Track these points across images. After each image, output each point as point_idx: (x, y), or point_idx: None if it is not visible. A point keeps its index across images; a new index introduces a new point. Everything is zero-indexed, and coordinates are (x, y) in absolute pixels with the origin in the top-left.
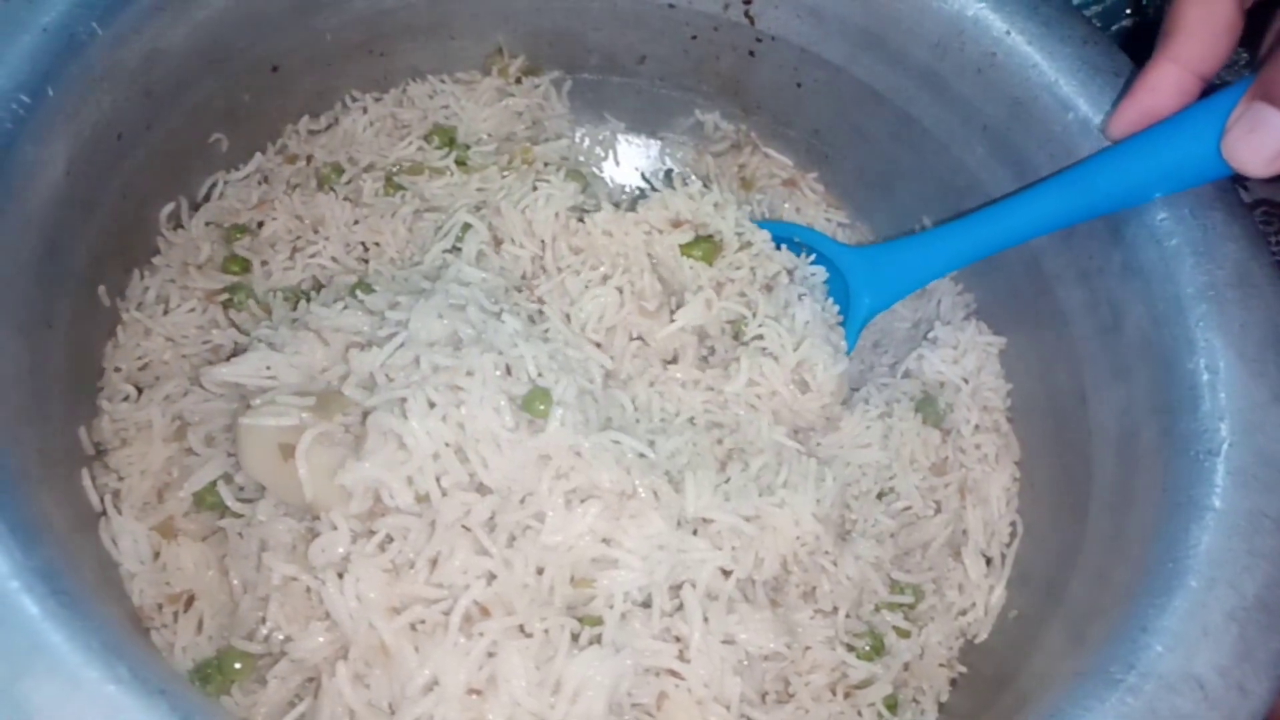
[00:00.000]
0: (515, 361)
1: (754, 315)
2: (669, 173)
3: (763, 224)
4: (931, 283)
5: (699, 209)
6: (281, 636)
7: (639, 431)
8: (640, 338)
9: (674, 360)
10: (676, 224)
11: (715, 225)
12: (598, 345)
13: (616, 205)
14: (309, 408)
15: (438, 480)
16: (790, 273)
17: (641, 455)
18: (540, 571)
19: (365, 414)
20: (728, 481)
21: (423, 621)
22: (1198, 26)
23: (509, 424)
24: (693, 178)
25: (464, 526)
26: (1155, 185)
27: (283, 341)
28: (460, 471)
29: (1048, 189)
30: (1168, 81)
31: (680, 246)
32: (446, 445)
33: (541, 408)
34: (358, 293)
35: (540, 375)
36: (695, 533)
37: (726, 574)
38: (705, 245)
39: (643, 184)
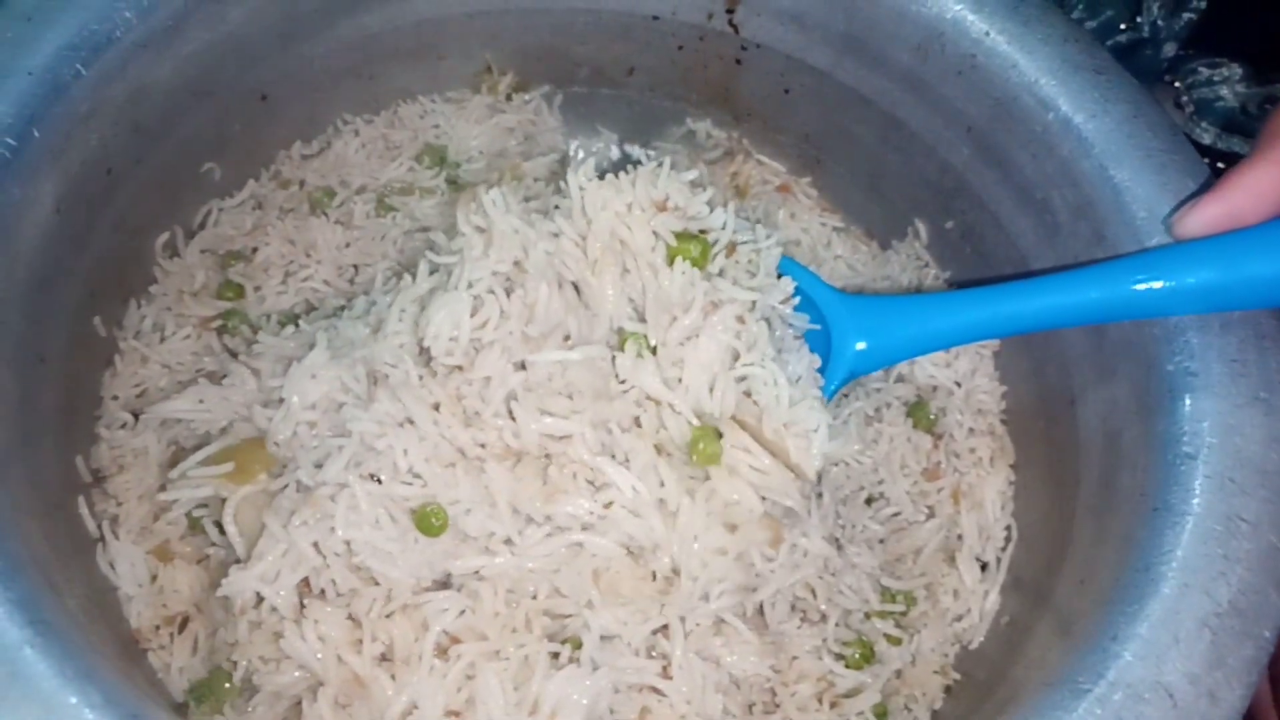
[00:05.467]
0: (386, 467)
1: (750, 350)
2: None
3: None
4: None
5: (692, 202)
6: (256, 677)
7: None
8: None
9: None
10: (662, 207)
11: (707, 222)
12: (458, 369)
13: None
14: (225, 475)
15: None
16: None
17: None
18: (512, 605)
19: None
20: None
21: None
22: None
23: (393, 535)
24: (688, 168)
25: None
26: (1221, 299)
27: (226, 373)
28: (354, 579)
29: (1087, 278)
30: (1265, 185)
31: (671, 248)
32: (336, 555)
33: (437, 524)
34: (301, 321)
35: (423, 483)
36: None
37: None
38: (699, 243)
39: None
